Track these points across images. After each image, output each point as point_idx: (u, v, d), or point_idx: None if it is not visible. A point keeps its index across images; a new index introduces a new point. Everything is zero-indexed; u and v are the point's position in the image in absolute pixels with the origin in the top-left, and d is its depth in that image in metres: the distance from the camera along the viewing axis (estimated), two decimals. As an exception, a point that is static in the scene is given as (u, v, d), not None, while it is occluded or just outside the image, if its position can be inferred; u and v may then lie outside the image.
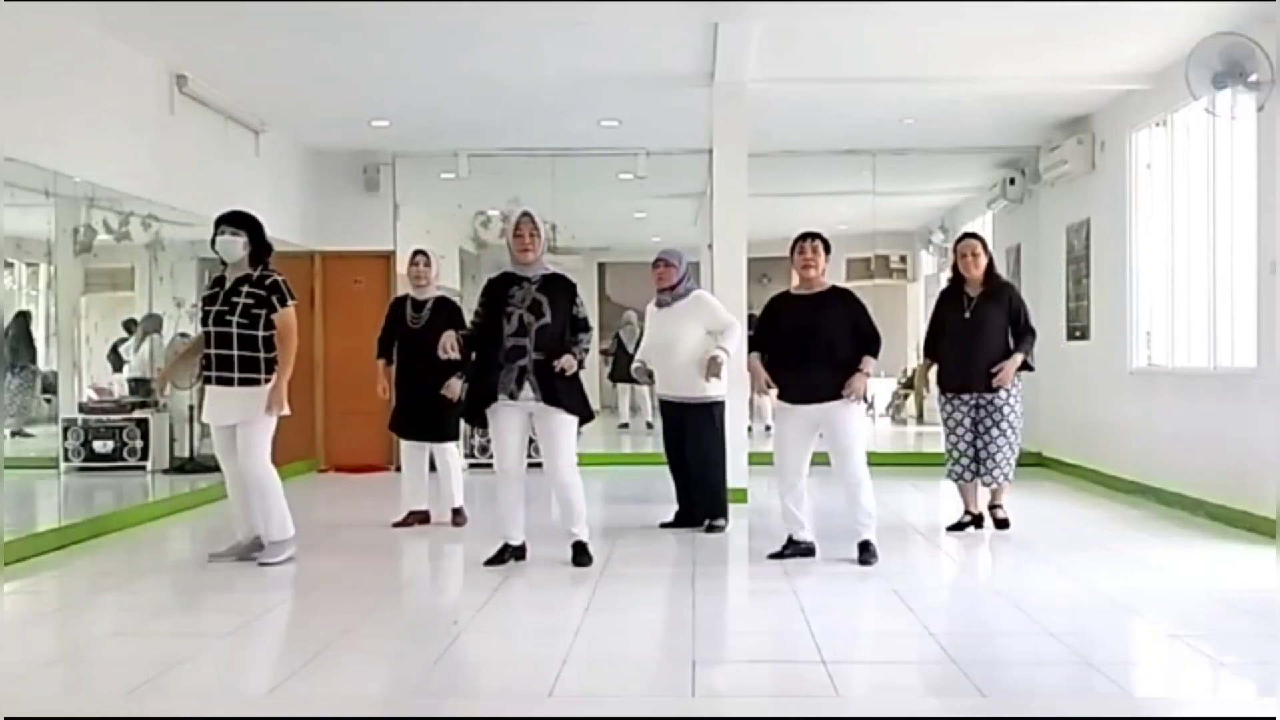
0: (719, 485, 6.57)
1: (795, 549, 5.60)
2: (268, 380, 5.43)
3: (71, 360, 7.73)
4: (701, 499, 6.53)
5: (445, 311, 6.56)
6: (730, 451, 6.80)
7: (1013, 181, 10.50)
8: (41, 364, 7.39)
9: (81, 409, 7.93)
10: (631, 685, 3.76)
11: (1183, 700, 3.61)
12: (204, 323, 5.47)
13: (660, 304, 6.50)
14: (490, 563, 5.41)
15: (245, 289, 5.43)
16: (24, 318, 7.38)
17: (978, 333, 6.23)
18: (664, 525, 6.62)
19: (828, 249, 5.59)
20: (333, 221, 10.23)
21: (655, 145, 9.91)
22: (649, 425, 12.39)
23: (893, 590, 4.94)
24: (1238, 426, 6.68)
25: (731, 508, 7.15)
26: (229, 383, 5.39)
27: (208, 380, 5.47)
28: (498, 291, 5.40)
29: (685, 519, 6.59)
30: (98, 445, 7.96)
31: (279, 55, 7.35)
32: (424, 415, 6.55)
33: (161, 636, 4.35)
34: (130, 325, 8.33)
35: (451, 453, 6.76)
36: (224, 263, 5.53)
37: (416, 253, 6.74)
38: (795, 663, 3.86)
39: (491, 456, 9.96)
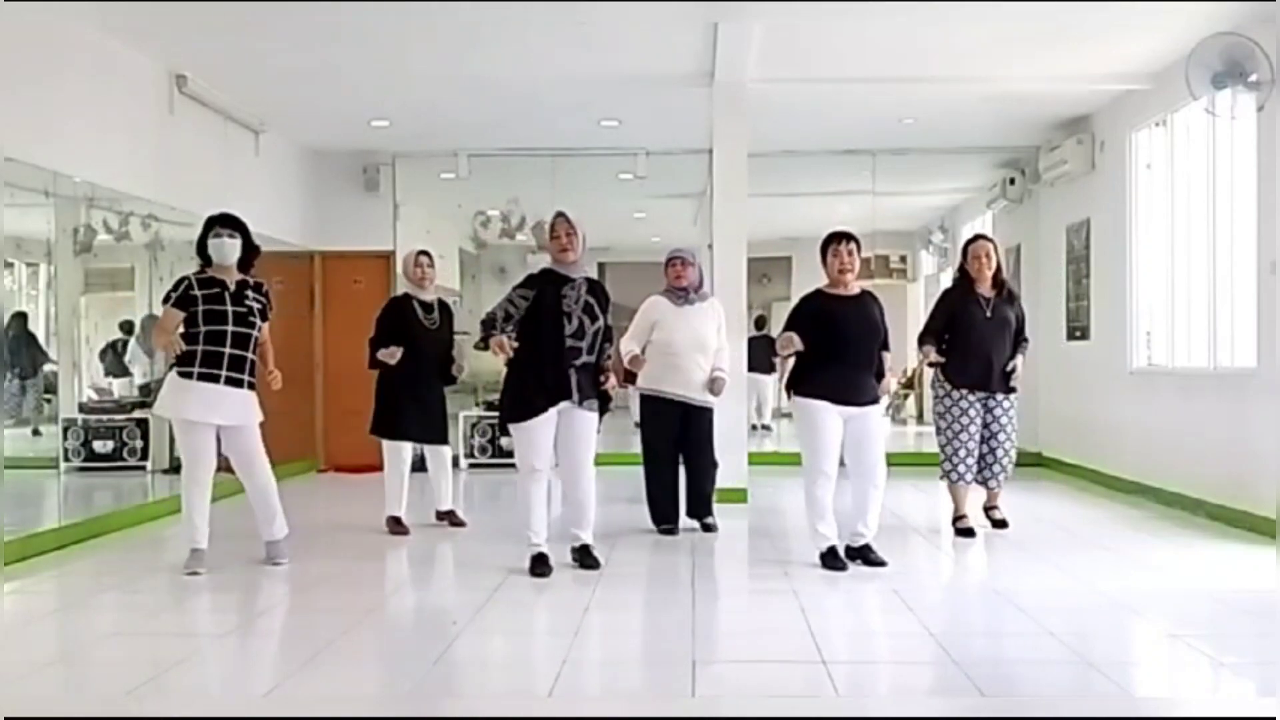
0: (713, 485, 6.62)
1: (855, 552, 5.42)
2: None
3: (71, 360, 7.71)
4: (700, 498, 6.50)
5: (450, 314, 6.67)
6: (731, 451, 6.80)
7: (1013, 181, 10.50)
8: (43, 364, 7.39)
9: (81, 409, 7.92)
10: (631, 685, 3.77)
11: (1183, 700, 3.61)
12: (217, 321, 5.31)
13: (682, 300, 6.36)
14: (538, 574, 5.18)
15: (250, 294, 5.44)
16: (22, 318, 7.40)
17: (999, 334, 6.30)
18: (665, 531, 6.41)
19: (859, 248, 5.50)
20: (333, 221, 10.24)
21: (655, 145, 9.91)
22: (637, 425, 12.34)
23: (893, 590, 4.94)
24: (1238, 426, 6.68)
25: (732, 507, 7.17)
26: (240, 384, 5.35)
27: (210, 378, 5.27)
28: (546, 288, 5.21)
29: (676, 517, 6.46)
30: (98, 445, 7.95)
31: (279, 55, 7.35)
32: (432, 416, 6.52)
33: (161, 636, 4.35)
34: (126, 326, 8.32)
35: (448, 454, 6.74)
36: (205, 264, 5.42)
37: (421, 253, 6.64)
38: (795, 663, 3.86)
39: (492, 457, 10.13)
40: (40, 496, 7.03)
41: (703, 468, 6.50)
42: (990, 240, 6.52)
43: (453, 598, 5.35)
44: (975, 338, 6.28)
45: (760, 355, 13.56)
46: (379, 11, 6.36)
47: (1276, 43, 6.04)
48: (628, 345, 6.33)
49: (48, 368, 7.29)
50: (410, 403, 6.44)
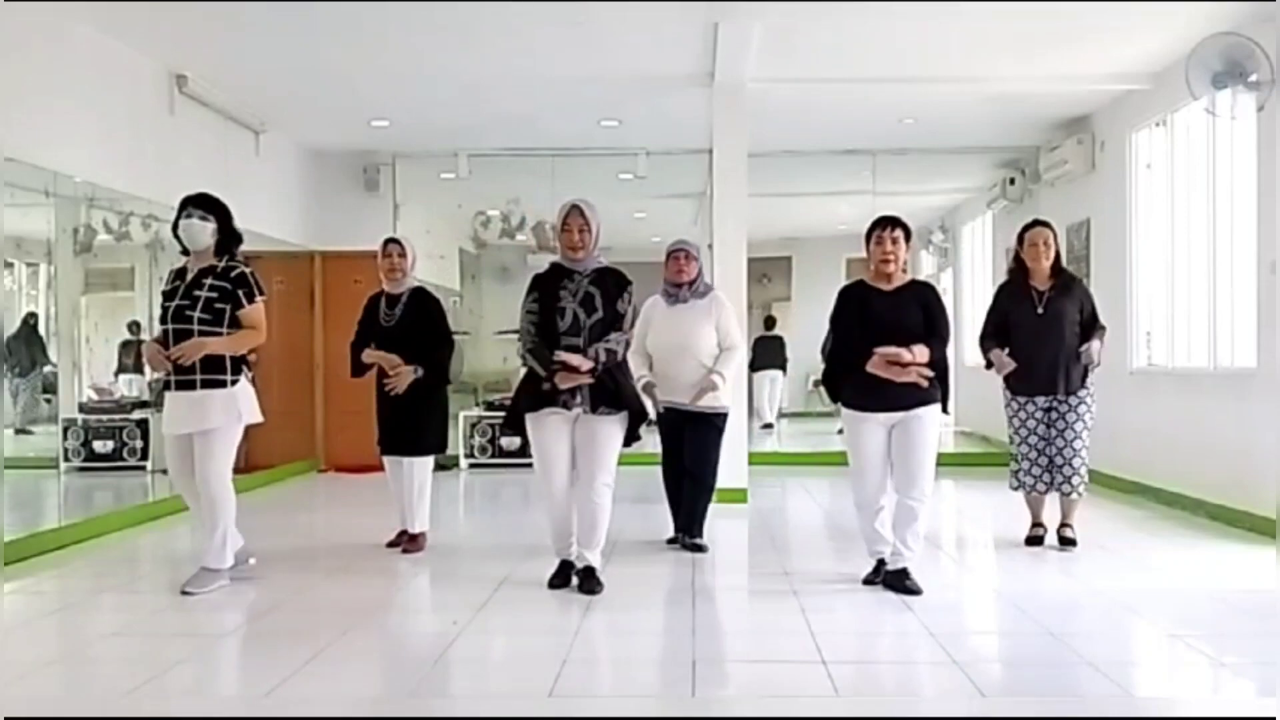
0: (709, 501, 6.09)
1: (890, 576, 4.95)
2: (234, 382, 4.87)
3: (71, 360, 7.72)
4: (696, 513, 6.00)
5: (420, 304, 5.89)
6: (730, 452, 6.75)
7: (1013, 181, 10.51)
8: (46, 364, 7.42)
9: (81, 409, 7.93)
10: (631, 685, 3.76)
11: (1183, 700, 3.61)
12: (162, 320, 4.87)
13: (674, 299, 5.90)
14: (551, 585, 4.92)
15: (209, 281, 4.85)
16: (32, 319, 7.43)
17: (1053, 331, 5.68)
18: (671, 541, 6.08)
19: (908, 236, 4.95)
20: (333, 221, 10.24)
21: (655, 145, 9.91)
22: (650, 422, 12.34)
23: (893, 590, 4.93)
24: (1238, 426, 6.68)
25: (732, 508, 7.17)
26: (190, 386, 4.81)
27: (166, 386, 4.89)
28: (549, 286, 4.87)
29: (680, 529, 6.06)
30: (98, 445, 7.95)
31: (279, 55, 7.36)
32: (402, 426, 5.87)
33: (161, 636, 4.35)
34: (134, 327, 8.34)
35: (424, 469, 5.96)
36: (185, 252, 4.98)
37: (389, 241, 5.98)
38: (795, 663, 3.86)
39: (492, 457, 10.12)
40: (40, 496, 7.04)
41: (702, 480, 5.99)
42: (1049, 226, 5.92)
43: (453, 598, 5.34)
44: (1027, 338, 5.72)
45: (771, 354, 13.67)
46: (379, 11, 6.36)
47: (1276, 43, 6.04)
48: (633, 359, 5.55)
49: (46, 369, 7.30)
50: (382, 411, 5.93)
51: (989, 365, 5.90)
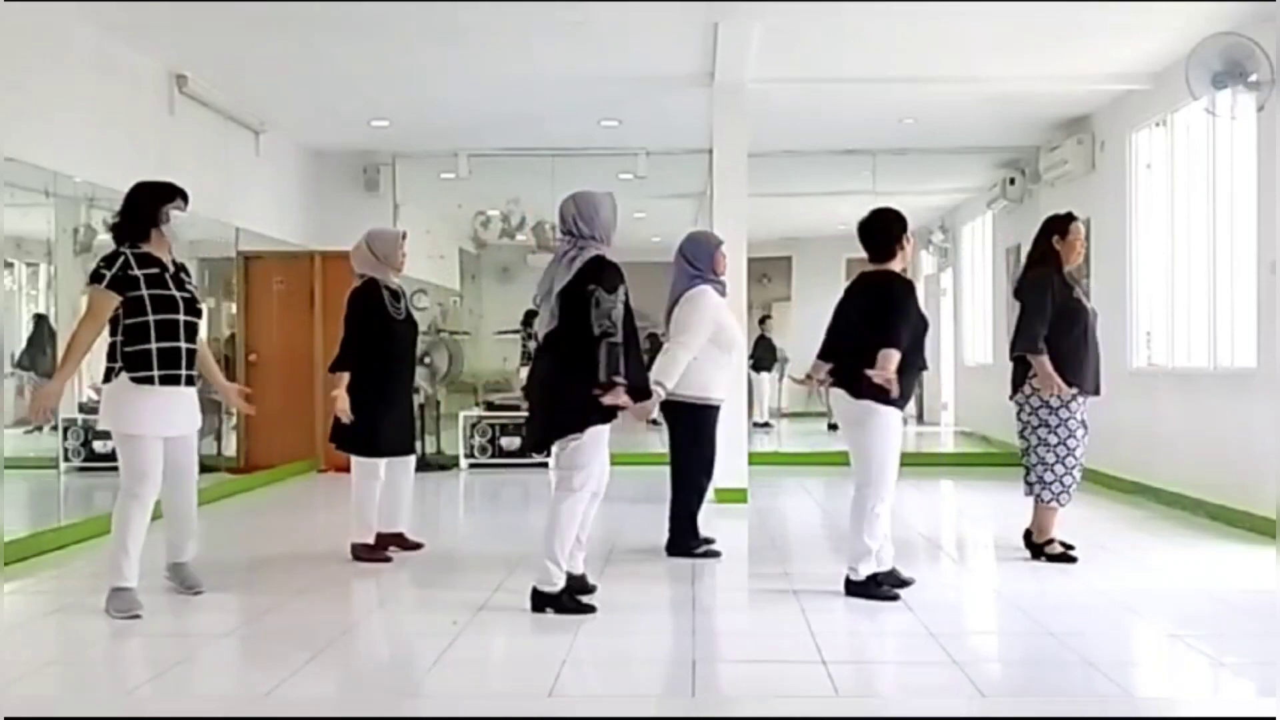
0: None
1: (884, 576, 4.82)
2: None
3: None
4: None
5: (408, 302, 5.94)
6: (731, 451, 6.76)
7: (1013, 181, 10.51)
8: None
9: (81, 409, 7.92)
10: (631, 685, 3.76)
11: (1183, 700, 3.61)
12: (167, 308, 4.51)
13: (722, 293, 5.72)
14: (580, 610, 4.50)
15: (185, 278, 4.69)
16: (43, 320, 7.42)
17: (1094, 328, 5.48)
18: (713, 552, 5.77)
19: None
20: (333, 221, 10.21)
21: (655, 145, 9.92)
22: (655, 423, 12.31)
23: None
24: (1238, 426, 6.68)
25: (732, 508, 7.17)
26: (194, 382, 4.67)
27: (172, 380, 4.54)
28: (620, 281, 4.48)
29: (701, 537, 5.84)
30: (98, 445, 7.94)
31: (279, 55, 7.36)
32: (406, 423, 5.79)
33: (161, 636, 4.36)
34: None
35: (413, 465, 5.92)
36: (138, 237, 4.58)
37: (402, 234, 5.97)
38: (795, 662, 3.86)
39: (492, 457, 10.11)
40: (40, 496, 7.03)
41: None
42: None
43: (453, 597, 5.34)
44: (1080, 335, 5.36)
45: (769, 354, 13.72)
46: (379, 11, 6.36)
47: (1276, 43, 6.04)
48: (687, 355, 5.38)
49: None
50: (386, 411, 5.60)
51: (1031, 372, 5.34)
